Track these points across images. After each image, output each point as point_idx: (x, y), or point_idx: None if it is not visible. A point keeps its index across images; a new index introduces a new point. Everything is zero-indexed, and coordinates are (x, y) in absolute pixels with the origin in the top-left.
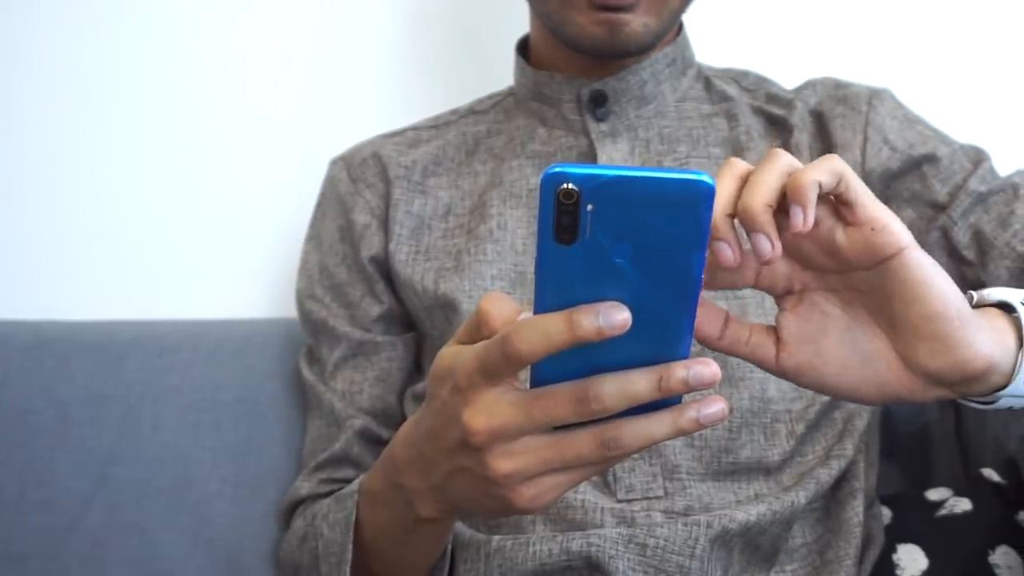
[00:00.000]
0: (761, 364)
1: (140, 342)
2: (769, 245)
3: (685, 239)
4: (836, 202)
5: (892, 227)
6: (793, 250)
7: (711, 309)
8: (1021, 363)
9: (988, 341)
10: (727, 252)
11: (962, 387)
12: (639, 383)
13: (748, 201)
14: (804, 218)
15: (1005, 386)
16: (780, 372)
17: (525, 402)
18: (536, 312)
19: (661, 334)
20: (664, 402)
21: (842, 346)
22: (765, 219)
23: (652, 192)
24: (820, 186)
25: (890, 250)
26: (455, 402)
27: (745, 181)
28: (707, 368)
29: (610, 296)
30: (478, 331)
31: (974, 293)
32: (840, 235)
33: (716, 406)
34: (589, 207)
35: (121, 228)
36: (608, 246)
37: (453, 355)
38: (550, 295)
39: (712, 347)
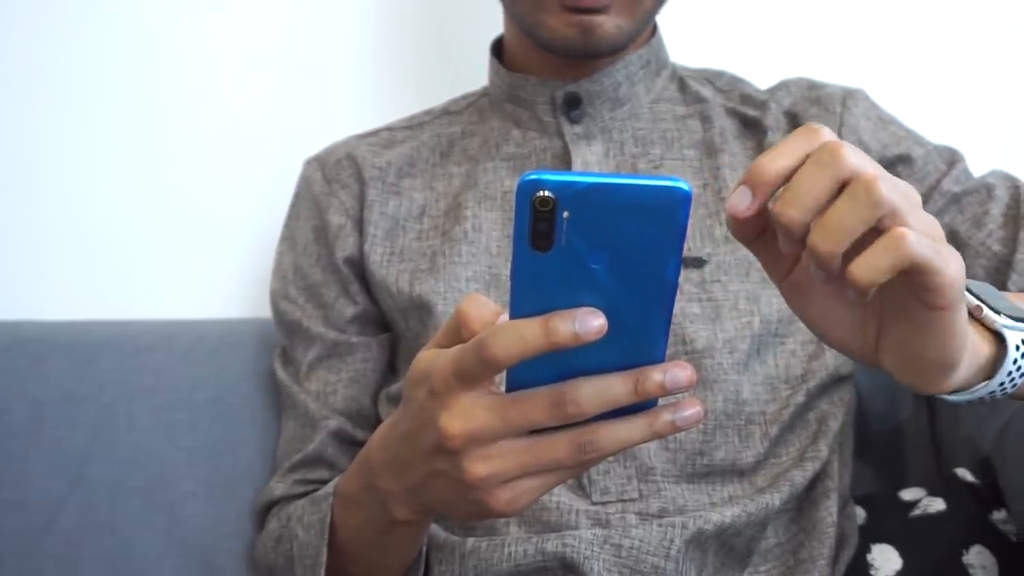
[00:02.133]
0: (768, 272)
1: (114, 342)
2: (823, 277)
3: (661, 245)
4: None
5: (947, 288)
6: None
7: (760, 211)
8: (976, 390)
9: (961, 377)
10: (742, 203)
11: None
12: (616, 387)
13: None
14: (857, 298)
15: (951, 392)
16: (779, 287)
17: (501, 406)
18: (512, 317)
19: (637, 338)
20: (640, 406)
21: (842, 303)
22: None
23: (628, 199)
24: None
25: (937, 306)
26: (431, 406)
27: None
28: (683, 371)
29: (586, 302)
30: (457, 333)
31: (984, 308)
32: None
33: (692, 409)
34: (565, 214)
35: (95, 228)
36: (584, 252)
37: (430, 358)
38: (526, 301)
39: (740, 222)
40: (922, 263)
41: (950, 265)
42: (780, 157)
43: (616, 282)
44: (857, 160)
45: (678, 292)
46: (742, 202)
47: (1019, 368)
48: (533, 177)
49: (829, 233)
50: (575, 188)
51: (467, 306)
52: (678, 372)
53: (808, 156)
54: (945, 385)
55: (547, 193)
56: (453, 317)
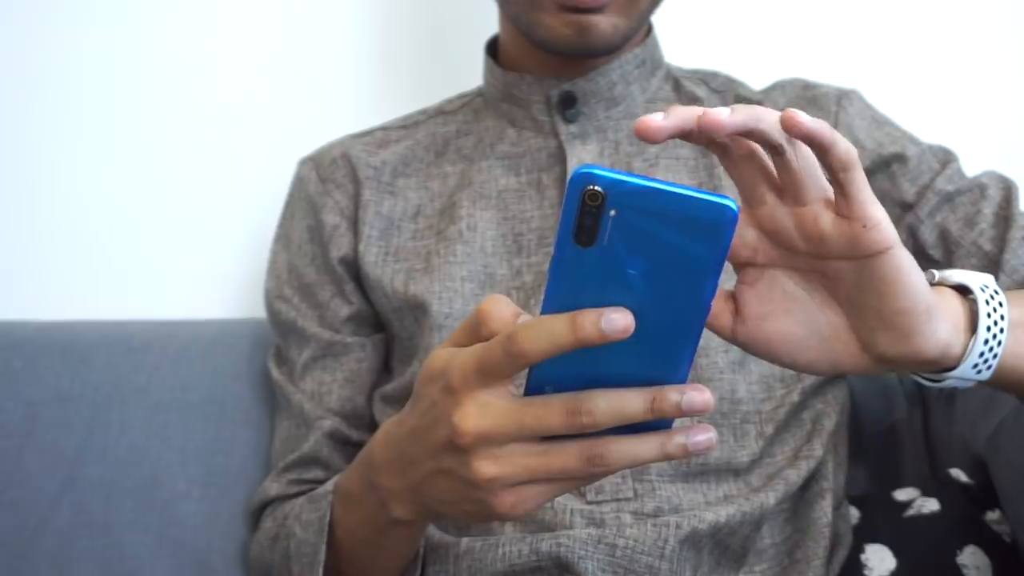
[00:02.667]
0: (717, 332)
1: (108, 342)
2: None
3: (701, 262)
4: (836, 188)
5: (883, 225)
6: (770, 225)
7: None
8: (971, 349)
9: (945, 329)
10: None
11: (912, 368)
12: (632, 402)
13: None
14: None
15: (953, 368)
16: (735, 342)
17: (517, 408)
18: (544, 308)
19: (661, 355)
20: (654, 425)
21: (800, 325)
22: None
23: (676, 208)
24: (835, 149)
25: (877, 248)
26: (446, 402)
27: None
28: (700, 395)
29: (617, 305)
30: (475, 332)
31: (935, 273)
32: (826, 223)
33: (704, 435)
34: (612, 212)
35: (89, 228)
36: (624, 255)
37: (447, 356)
38: (559, 295)
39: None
40: (857, 176)
41: (876, 200)
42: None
43: (650, 292)
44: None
45: None
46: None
47: (995, 310)
48: (586, 170)
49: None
50: (626, 187)
51: (488, 305)
52: (695, 395)
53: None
54: (937, 339)
55: (598, 188)
56: (472, 316)
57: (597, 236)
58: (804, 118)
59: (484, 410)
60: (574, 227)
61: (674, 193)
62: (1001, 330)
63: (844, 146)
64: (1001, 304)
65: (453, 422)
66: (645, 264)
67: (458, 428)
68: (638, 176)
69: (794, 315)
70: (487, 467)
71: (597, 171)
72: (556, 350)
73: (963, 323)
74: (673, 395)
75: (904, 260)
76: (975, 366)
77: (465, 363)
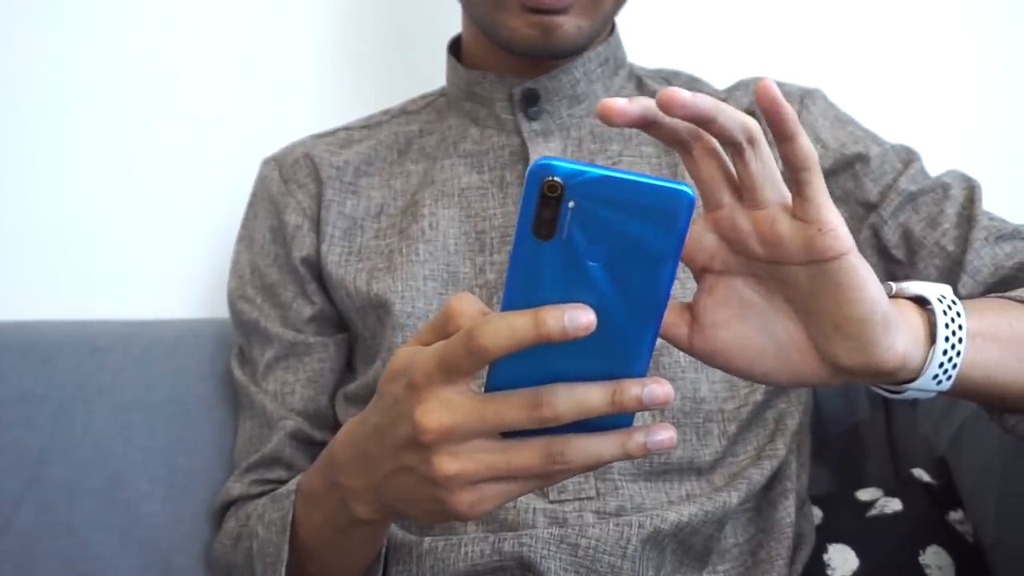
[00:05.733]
0: (673, 343)
1: (71, 342)
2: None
3: (660, 249)
4: (793, 190)
5: (839, 231)
6: (729, 228)
7: None
8: (930, 360)
9: (904, 341)
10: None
11: (871, 380)
12: (592, 395)
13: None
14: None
15: (913, 379)
16: (691, 353)
17: (478, 403)
18: (504, 303)
19: (621, 347)
20: (614, 422)
21: (757, 334)
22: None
23: (635, 196)
24: (797, 140)
25: (831, 253)
26: (408, 399)
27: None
28: (661, 388)
29: (579, 299)
30: (443, 330)
31: (892, 285)
32: (784, 226)
33: (665, 434)
34: (571, 204)
35: (52, 228)
36: (584, 247)
37: (410, 354)
38: (520, 289)
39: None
40: (816, 177)
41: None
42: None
43: (610, 283)
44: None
45: None
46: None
47: (953, 320)
48: (544, 162)
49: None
50: (585, 177)
51: (456, 302)
52: (656, 388)
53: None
54: (896, 350)
55: (557, 179)
56: (440, 313)
57: (556, 229)
58: (775, 93)
59: (446, 406)
60: (533, 220)
61: (632, 181)
62: (960, 340)
63: (806, 143)
64: (959, 314)
65: (415, 419)
66: (605, 255)
67: (420, 425)
68: (596, 166)
69: (751, 322)
70: (448, 464)
71: (556, 162)
72: (517, 346)
73: (922, 335)
74: (634, 388)
75: (859, 267)
76: (935, 377)
77: (427, 360)
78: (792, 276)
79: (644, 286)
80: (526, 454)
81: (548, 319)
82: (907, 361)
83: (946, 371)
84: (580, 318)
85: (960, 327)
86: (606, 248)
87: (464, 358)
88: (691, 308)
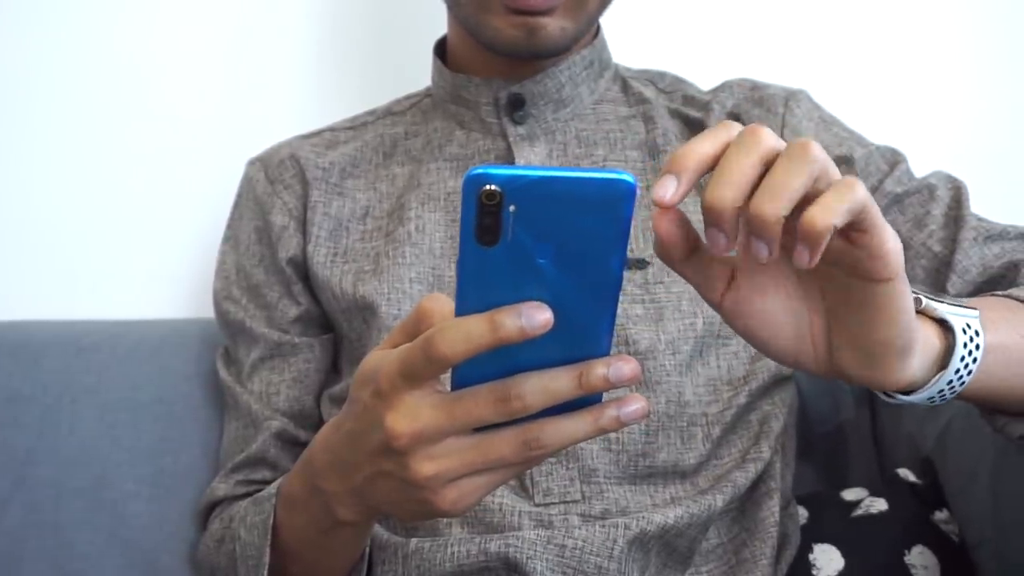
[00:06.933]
0: (704, 294)
1: (57, 342)
2: (765, 251)
3: (606, 239)
4: (854, 227)
5: (892, 256)
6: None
7: (687, 229)
8: (933, 383)
9: (916, 365)
10: (668, 191)
11: (866, 385)
12: (560, 380)
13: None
14: (809, 259)
15: (907, 393)
16: (718, 309)
17: (447, 404)
18: (457, 313)
19: (582, 333)
20: (584, 402)
21: (785, 313)
22: (768, 228)
23: (574, 192)
24: (835, 227)
25: (880, 276)
26: (377, 406)
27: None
28: (627, 364)
29: (532, 296)
30: (415, 330)
31: (923, 299)
32: (835, 241)
33: (636, 404)
34: (511, 208)
35: (38, 228)
36: (530, 247)
37: (378, 359)
38: (472, 296)
39: (672, 260)
40: (873, 214)
41: (890, 229)
42: (702, 143)
43: (561, 276)
44: (777, 139)
45: (621, 293)
46: (668, 190)
47: (971, 353)
48: (480, 171)
49: (772, 193)
50: (521, 182)
51: (428, 303)
52: (622, 365)
53: (729, 144)
54: (904, 375)
55: (494, 187)
56: (411, 315)
57: (500, 234)
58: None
59: (414, 411)
60: (475, 229)
61: (570, 178)
62: (969, 372)
63: (851, 199)
64: (978, 347)
65: (386, 425)
66: (552, 251)
67: (391, 431)
68: (530, 168)
69: (783, 302)
70: (425, 466)
71: (491, 171)
72: (476, 351)
73: (934, 358)
74: (599, 368)
75: (901, 294)
76: (931, 398)
77: (390, 366)
78: (835, 278)
79: (596, 274)
80: (501, 445)
81: (505, 321)
82: (912, 384)
83: (943, 395)
84: (536, 317)
85: (975, 360)
86: (553, 245)
87: (424, 365)
88: (733, 269)
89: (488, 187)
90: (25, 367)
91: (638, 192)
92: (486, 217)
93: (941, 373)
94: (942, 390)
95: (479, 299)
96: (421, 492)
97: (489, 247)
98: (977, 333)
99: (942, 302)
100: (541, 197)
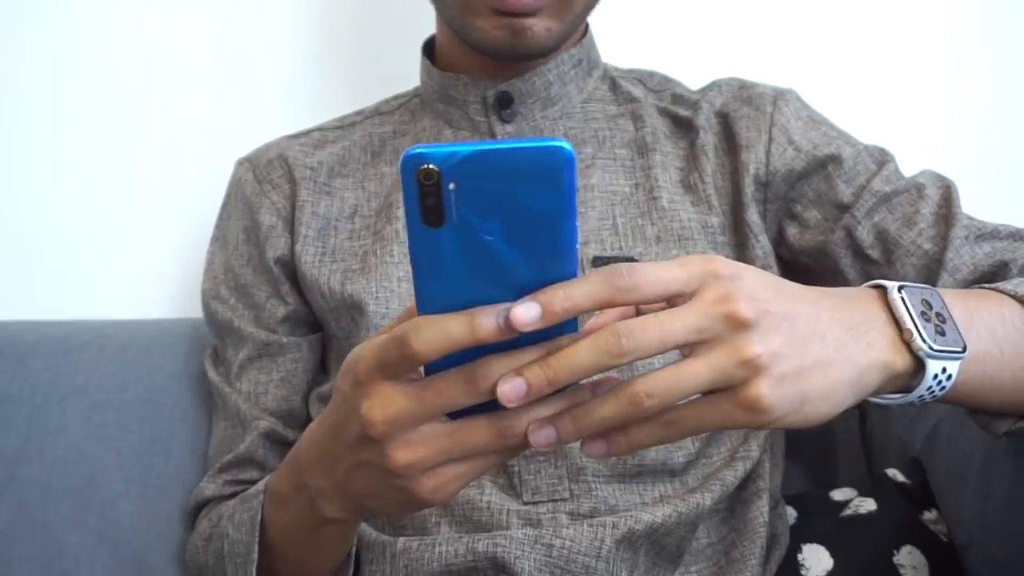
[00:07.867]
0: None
1: (46, 342)
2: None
3: (553, 209)
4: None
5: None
6: None
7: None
8: (894, 399)
9: (882, 390)
10: (527, 316)
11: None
12: (526, 359)
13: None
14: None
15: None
16: None
17: (417, 389)
18: (418, 299)
19: None
20: (559, 332)
21: None
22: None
23: (511, 163)
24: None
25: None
26: (355, 395)
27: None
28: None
29: (487, 275)
30: None
31: (914, 334)
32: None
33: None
34: (451, 186)
35: (26, 228)
36: (478, 224)
37: (360, 350)
38: (428, 279)
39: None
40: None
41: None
42: (578, 298)
43: (514, 252)
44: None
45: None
46: (528, 315)
47: (931, 391)
48: (415, 152)
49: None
50: (456, 158)
51: None
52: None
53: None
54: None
55: (430, 166)
56: (406, 312)
57: (445, 214)
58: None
59: (389, 398)
60: (420, 211)
61: (505, 149)
62: (943, 388)
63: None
64: (950, 377)
65: (362, 414)
66: (500, 227)
67: (367, 419)
68: (467, 144)
69: None
70: (402, 454)
71: (425, 150)
72: (451, 349)
73: (901, 375)
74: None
75: (808, 420)
76: (911, 403)
77: (368, 357)
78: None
79: (548, 245)
80: (476, 432)
81: (484, 322)
82: (879, 398)
83: (923, 399)
84: (520, 316)
85: (949, 377)
86: (499, 220)
87: (399, 361)
88: None
89: (425, 166)
90: (14, 367)
91: (575, 158)
92: (428, 198)
93: (903, 395)
94: (922, 395)
95: (435, 282)
96: (400, 481)
97: (436, 228)
98: (950, 377)
99: (926, 341)
100: (479, 172)
